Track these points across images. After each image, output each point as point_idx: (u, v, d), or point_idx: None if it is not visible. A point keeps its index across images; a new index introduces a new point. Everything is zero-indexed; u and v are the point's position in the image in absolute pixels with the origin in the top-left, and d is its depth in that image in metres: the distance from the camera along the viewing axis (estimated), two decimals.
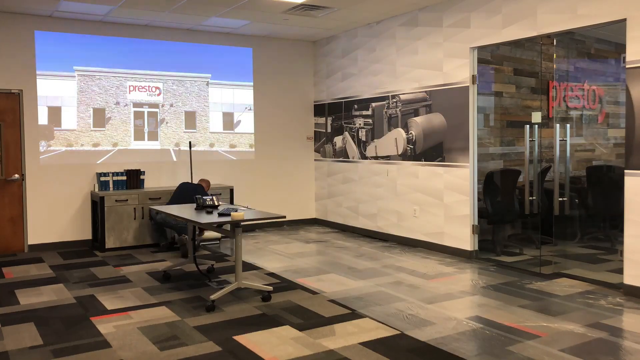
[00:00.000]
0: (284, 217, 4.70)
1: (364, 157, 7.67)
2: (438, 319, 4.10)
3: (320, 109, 8.59)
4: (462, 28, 6.07)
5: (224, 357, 3.43)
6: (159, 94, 7.53)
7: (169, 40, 7.54)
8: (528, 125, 5.44)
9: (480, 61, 6.14)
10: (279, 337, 3.76)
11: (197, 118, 7.81)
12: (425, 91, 6.60)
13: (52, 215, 6.89)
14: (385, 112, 7.23)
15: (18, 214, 6.73)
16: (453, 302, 4.53)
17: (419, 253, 6.41)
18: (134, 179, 7.16)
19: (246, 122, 8.19)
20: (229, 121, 8.06)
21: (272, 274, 5.51)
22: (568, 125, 5.27)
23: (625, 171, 4.67)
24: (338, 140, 8.20)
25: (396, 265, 5.84)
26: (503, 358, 3.36)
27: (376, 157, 7.43)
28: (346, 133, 8.02)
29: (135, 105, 7.39)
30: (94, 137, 7.13)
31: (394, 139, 7.09)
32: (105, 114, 7.20)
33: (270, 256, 6.37)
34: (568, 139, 5.23)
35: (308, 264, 5.96)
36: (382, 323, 4.00)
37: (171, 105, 7.62)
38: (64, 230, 6.97)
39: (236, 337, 3.76)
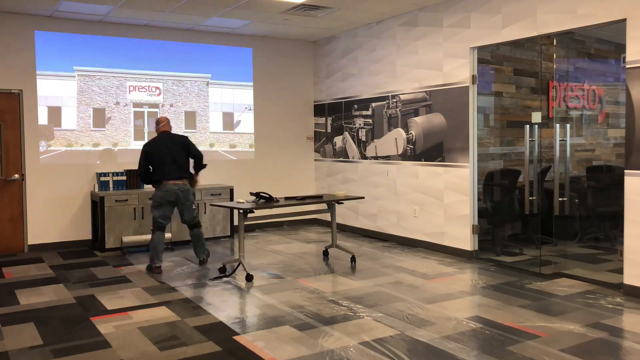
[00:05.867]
0: None
1: (364, 157, 7.67)
2: (438, 319, 4.10)
3: (320, 109, 8.59)
4: (462, 28, 6.07)
5: (224, 357, 3.43)
6: (159, 94, 7.53)
7: (169, 40, 7.53)
8: (528, 125, 5.44)
9: (480, 61, 6.13)
10: (279, 337, 3.76)
11: (197, 118, 7.80)
12: (425, 91, 6.59)
13: (52, 215, 6.89)
14: (385, 112, 7.23)
15: (18, 214, 6.73)
16: (453, 302, 4.52)
17: (419, 253, 6.41)
18: (134, 179, 7.16)
19: (246, 122, 8.19)
20: (228, 121, 8.06)
21: (272, 274, 5.51)
22: (568, 125, 5.27)
23: (625, 171, 4.66)
24: (338, 140, 8.20)
25: (396, 265, 5.83)
26: (503, 358, 3.36)
27: (376, 157, 7.43)
28: (346, 133, 8.01)
29: (135, 105, 7.38)
30: (94, 137, 7.13)
31: (394, 139, 7.09)
32: (105, 114, 7.19)
33: (271, 256, 6.37)
34: (568, 139, 5.23)
35: (308, 263, 5.96)
36: (382, 323, 4.00)
37: (171, 105, 7.62)
38: (64, 230, 6.97)
39: (236, 337, 3.76)
